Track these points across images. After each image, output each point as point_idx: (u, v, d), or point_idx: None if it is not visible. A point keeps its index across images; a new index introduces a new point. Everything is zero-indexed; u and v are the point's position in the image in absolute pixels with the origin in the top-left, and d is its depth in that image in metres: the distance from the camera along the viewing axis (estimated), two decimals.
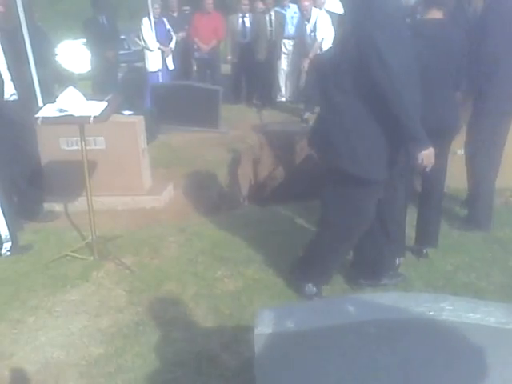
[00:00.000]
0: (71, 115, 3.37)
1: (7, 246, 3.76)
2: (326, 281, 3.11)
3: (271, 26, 8.25)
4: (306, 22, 7.52)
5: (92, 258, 3.63)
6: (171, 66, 8.22)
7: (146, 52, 7.93)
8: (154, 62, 7.93)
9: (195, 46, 8.59)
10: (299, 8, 7.78)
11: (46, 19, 10.38)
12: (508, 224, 3.86)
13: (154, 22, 7.88)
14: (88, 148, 3.69)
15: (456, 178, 3.89)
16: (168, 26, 8.21)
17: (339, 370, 1.62)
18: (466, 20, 4.04)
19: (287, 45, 8.48)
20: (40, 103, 4.85)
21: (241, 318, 2.90)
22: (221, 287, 3.25)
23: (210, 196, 5.20)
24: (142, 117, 4.95)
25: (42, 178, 4.59)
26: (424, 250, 3.50)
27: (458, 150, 3.99)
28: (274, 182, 6.78)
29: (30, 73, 4.93)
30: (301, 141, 6.83)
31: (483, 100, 3.63)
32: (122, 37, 11.06)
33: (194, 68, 9.24)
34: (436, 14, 3.12)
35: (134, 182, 4.66)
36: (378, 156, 2.70)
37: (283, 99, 8.78)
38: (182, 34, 8.59)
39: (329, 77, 2.77)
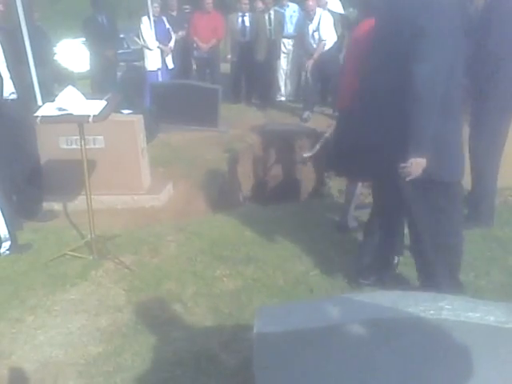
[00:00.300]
0: (70, 114, 3.37)
1: (6, 245, 3.76)
2: (458, 284, 2.90)
3: (270, 25, 8.24)
4: (309, 22, 7.52)
5: (91, 257, 3.63)
6: (171, 65, 8.21)
7: (146, 51, 7.92)
8: (153, 61, 7.92)
9: (195, 45, 8.58)
10: (303, 8, 7.77)
11: (45, 18, 10.40)
12: (507, 223, 3.86)
13: (154, 21, 7.86)
14: (87, 147, 3.69)
15: None
16: (167, 25, 8.20)
17: (338, 369, 1.62)
18: (467, 19, 4.03)
19: (287, 44, 8.48)
20: (39, 102, 4.83)
21: (240, 317, 2.89)
22: (220, 286, 3.24)
23: (209, 195, 5.20)
24: (141, 116, 4.96)
25: (41, 177, 4.58)
26: None
27: None
28: (274, 181, 6.78)
29: (30, 72, 4.91)
30: (300, 140, 6.85)
31: (484, 99, 3.63)
32: (122, 36, 11.03)
33: (194, 67, 9.23)
34: None
35: (134, 181, 4.66)
36: (457, 156, 2.65)
37: (283, 98, 8.77)
38: (181, 33, 8.57)
39: (379, 82, 2.61)
